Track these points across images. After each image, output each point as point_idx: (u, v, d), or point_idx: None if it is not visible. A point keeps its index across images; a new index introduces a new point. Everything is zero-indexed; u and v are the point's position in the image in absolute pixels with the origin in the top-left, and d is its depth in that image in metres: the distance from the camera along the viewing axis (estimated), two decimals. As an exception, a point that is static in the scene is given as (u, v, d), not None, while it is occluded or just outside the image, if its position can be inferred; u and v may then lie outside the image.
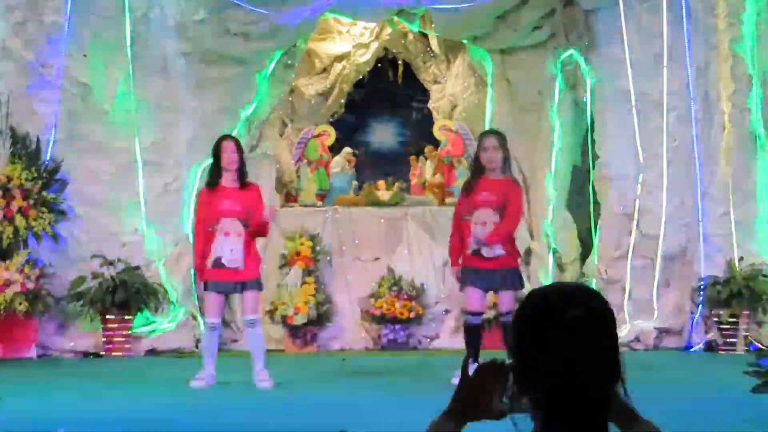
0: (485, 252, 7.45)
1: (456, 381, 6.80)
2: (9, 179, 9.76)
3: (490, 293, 8.26)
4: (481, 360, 7.18)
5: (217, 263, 7.49)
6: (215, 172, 7.71)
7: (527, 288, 10.83)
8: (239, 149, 7.73)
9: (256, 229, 7.62)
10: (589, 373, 1.76)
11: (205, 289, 7.63)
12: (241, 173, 7.67)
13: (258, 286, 7.68)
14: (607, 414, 1.79)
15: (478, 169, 7.67)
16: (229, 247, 7.48)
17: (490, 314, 10.49)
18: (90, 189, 10.34)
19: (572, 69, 11.28)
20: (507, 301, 7.62)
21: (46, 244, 9.96)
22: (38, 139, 10.03)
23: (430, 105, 12.54)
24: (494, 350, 9.06)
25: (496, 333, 9.55)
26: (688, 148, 10.41)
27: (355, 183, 12.04)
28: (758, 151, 10.17)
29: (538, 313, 1.82)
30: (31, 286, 9.56)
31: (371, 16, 11.54)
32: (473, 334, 7.64)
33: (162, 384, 7.83)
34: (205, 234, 7.61)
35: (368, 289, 11.05)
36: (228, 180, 7.66)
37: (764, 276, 9.92)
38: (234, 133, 11.07)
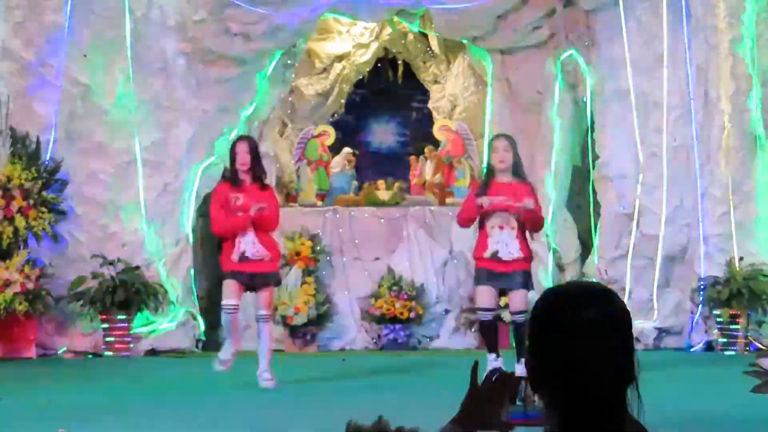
0: (503, 254, 7.43)
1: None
2: (9, 179, 9.76)
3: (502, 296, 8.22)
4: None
5: (243, 257, 7.56)
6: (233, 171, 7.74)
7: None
8: (252, 150, 7.73)
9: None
10: (603, 374, 1.76)
11: (225, 277, 7.72)
12: (255, 174, 7.69)
13: (275, 281, 7.91)
14: (621, 415, 1.78)
15: (489, 171, 7.68)
16: (251, 241, 7.57)
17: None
18: (90, 189, 10.34)
19: (572, 69, 11.28)
20: (519, 300, 7.59)
21: (46, 244, 9.96)
22: (38, 139, 10.03)
23: (430, 105, 12.54)
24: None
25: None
26: (688, 148, 10.40)
27: (355, 183, 12.03)
28: (758, 151, 10.15)
29: (554, 313, 1.81)
30: (31, 286, 9.55)
31: (371, 16, 11.53)
32: (488, 330, 7.64)
33: (162, 384, 7.83)
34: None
35: (368, 289, 11.05)
36: (246, 180, 7.70)
37: (764, 276, 9.90)
38: (234, 134, 11.10)
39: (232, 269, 7.61)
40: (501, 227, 7.43)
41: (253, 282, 7.68)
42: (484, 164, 8.05)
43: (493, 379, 2.00)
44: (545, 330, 1.81)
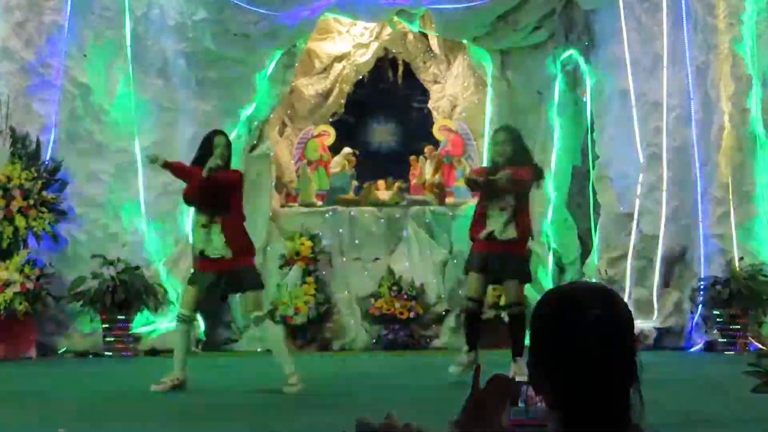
0: (498, 234, 7.26)
1: (452, 370, 6.59)
2: (9, 179, 9.76)
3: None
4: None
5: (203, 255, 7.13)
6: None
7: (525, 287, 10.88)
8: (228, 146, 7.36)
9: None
10: (607, 374, 1.76)
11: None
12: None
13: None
14: (624, 417, 1.78)
15: (493, 164, 7.52)
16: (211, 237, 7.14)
17: (490, 313, 10.48)
18: (90, 189, 10.34)
19: (572, 69, 11.27)
20: (513, 291, 7.37)
21: (46, 244, 9.96)
22: (38, 139, 10.03)
23: (430, 105, 12.54)
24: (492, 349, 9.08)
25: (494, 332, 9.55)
26: (688, 148, 10.40)
27: (355, 183, 12.03)
28: (758, 151, 10.14)
29: (557, 312, 1.80)
30: (31, 286, 9.56)
31: (371, 16, 11.54)
32: (471, 318, 7.43)
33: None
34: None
35: (368, 289, 11.05)
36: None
37: (764, 276, 9.90)
38: (234, 134, 11.10)
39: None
40: (502, 208, 7.32)
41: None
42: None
43: (494, 383, 2.00)
44: (548, 330, 1.80)
